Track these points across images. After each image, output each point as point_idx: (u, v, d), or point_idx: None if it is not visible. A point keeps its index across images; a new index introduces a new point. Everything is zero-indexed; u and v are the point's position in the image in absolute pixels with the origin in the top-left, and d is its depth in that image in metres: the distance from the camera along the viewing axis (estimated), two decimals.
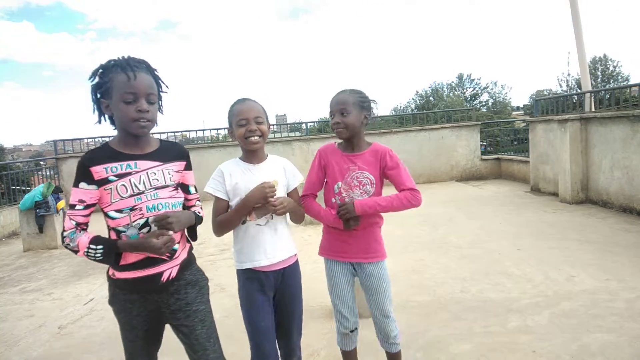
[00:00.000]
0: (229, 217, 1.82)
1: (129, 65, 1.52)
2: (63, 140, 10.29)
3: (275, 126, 12.25)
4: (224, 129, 11.37)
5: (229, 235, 1.91)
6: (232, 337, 2.89)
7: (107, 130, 11.50)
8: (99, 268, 4.93)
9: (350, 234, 1.97)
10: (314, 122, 13.80)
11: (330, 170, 2.01)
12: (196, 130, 10.75)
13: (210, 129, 11.44)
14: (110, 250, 1.52)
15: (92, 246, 1.51)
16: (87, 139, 10.64)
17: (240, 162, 1.91)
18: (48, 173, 10.24)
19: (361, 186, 1.96)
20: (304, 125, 11.94)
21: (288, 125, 12.91)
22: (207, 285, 1.78)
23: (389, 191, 1.98)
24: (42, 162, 11.26)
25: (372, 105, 2.03)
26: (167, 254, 1.60)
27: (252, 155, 1.89)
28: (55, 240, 6.22)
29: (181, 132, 11.19)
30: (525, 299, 3.19)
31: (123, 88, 1.49)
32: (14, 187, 8.77)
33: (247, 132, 1.81)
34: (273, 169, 1.91)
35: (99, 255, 1.52)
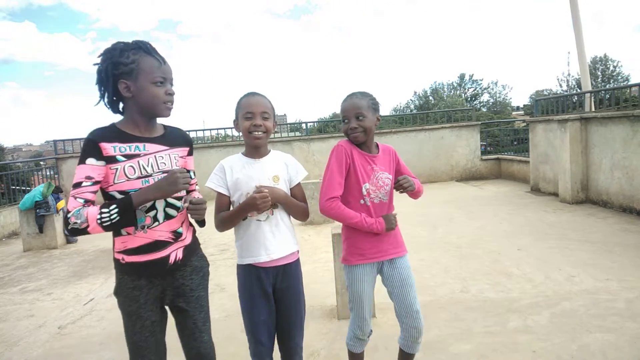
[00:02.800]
0: (230, 216, 1.83)
1: (155, 51, 1.58)
2: (63, 140, 10.29)
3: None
4: (224, 128, 11.39)
5: (229, 235, 1.93)
6: (232, 337, 2.90)
7: None
8: (99, 268, 4.94)
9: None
10: (314, 122, 13.81)
11: (356, 171, 1.93)
12: (196, 130, 10.73)
13: (210, 129, 11.48)
14: (125, 207, 1.46)
15: (104, 210, 1.44)
16: None
17: (242, 157, 1.92)
18: (48, 173, 10.23)
19: (385, 187, 1.97)
20: (304, 125, 11.95)
21: (288, 125, 12.91)
22: (209, 271, 1.82)
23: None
24: (42, 162, 11.26)
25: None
26: (172, 237, 1.63)
27: (254, 150, 1.90)
28: (55, 240, 6.22)
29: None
30: (525, 299, 3.19)
31: (154, 71, 1.55)
32: (14, 187, 8.77)
33: (252, 127, 1.82)
34: (274, 164, 1.91)
35: (114, 215, 1.44)
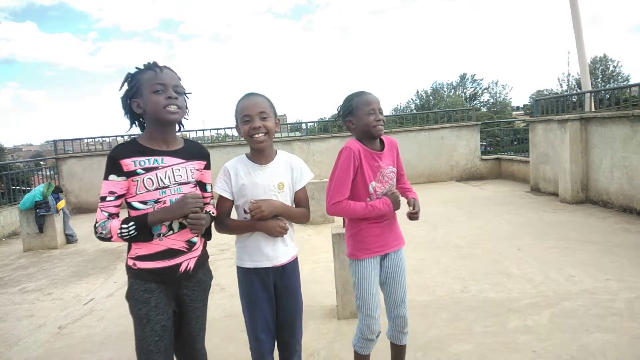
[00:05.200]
0: (236, 227, 1.86)
1: (155, 64, 1.68)
2: (63, 140, 10.29)
3: None
4: (224, 128, 11.39)
5: (229, 236, 1.92)
6: (232, 337, 2.90)
7: (108, 131, 11.50)
8: (99, 268, 4.94)
9: (387, 224, 2.02)
10: (314, 122, 13.80)
11: (363, 171, 1.94)
12: (196, 130, 10.73)
13: (210, 129, 11.47)
14: (142, 225, 1.60)
15: (124, 225, 1.59)
16: (87, 139, 10.64)
17: (247, 161, 1.86)
18: (48, 173, 10.23)
19: (389, 181, 2.02)
20: (304, 125, 11.94)
21: (288, 125, 12.91)
22: (211, 285, 1.88)
23: None
24: (42, 162, 11.26)
25: None
26: (186, 246, 1.71)
27: (259, 153, 1.85)
28: (55, 240, 6.22)
29: (181, 132, 11.18)
30: (525, 299, 3.19)
31: (152, 80, 1.63)
32: (14, 187, 8.77)
33: (251, 130, 1.78)
34: (280, 170, 1.87)
35: (132, 231, 1.59)
